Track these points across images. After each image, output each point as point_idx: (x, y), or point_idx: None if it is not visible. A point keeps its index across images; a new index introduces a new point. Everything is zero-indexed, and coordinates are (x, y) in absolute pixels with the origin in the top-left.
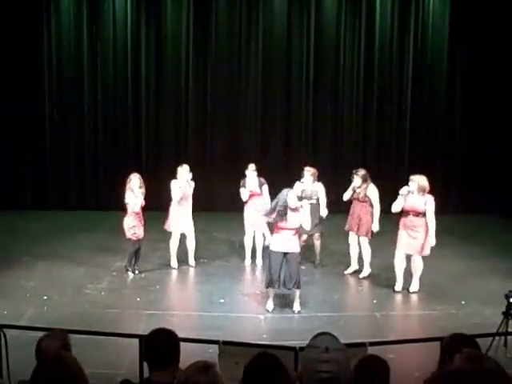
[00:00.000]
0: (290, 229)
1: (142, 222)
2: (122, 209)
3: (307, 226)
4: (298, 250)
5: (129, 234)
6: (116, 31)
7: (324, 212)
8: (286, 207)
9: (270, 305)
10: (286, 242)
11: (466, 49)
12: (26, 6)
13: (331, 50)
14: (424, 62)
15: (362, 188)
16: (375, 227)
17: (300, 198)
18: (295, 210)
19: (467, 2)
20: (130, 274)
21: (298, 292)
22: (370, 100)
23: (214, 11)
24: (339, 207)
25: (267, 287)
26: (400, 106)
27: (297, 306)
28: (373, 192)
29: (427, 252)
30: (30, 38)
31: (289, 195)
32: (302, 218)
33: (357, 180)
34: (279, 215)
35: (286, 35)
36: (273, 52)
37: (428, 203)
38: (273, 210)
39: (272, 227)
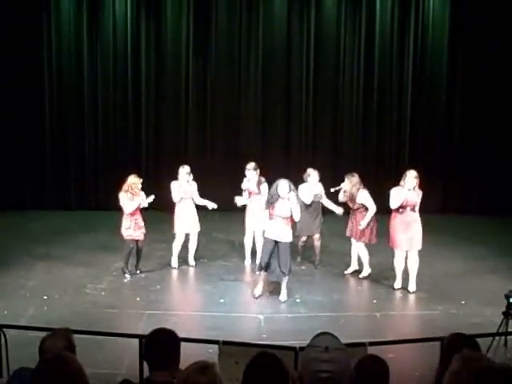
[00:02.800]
0: (281, 217)
1: (141, 225)
2: (121, 209)
3: (297, 217)
4: (289, 239)
5: (124, 234)
6: (116, 31)
7: (340, 210)
8: (276, 196)
9: (258, 290)
10: (278, 231)
11: (465, 49)
12: (25, 5)
13: (331, 50)
14: (424, 62)
15: (350, 193)
16: (363, 224)
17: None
18: (286, 199)
19: (467, 2)
20: (127, 276)
21: (285, 280)
22: (369, 100)
23: (214, 11)
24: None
25: (257, 270)
26: (400, 106)
27: (283, 296)
28: (364, 197)
29: (420, 246)
30: (30, 38)
31: (279, 184)
32: (292, 208)
33: (346, 184)
34: (268, 202)
35: (286, 35)
36: (273, 52)
37: (420, 196)
38: (267, 200)
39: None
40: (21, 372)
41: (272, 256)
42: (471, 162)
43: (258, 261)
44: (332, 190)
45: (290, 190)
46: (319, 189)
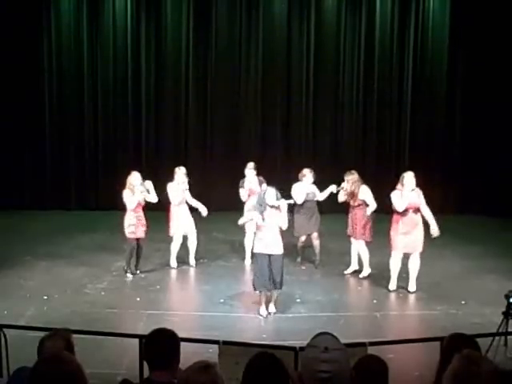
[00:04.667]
0: (270, 227)
1: (143, 222)
2: (123, 208)
3: (284, 226)
4: (281, 251)
5: (127, 232)
6: (116, 31)
7: (333, 187)
8: (264, 204)
9: (264, 311)
10: (269, 243)
11: (466, 49)
12: (26, 6)
13: (331, 50)
14: (424, 62)
15: (350, 192)
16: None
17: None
18: (274, 207)
19: (467, 2)
20: (129, 276)
21: (276, 293)
22: (369, 100)
23: (214, 11)
24: (338, 207)
25: (256, 290)
26: (400, 106)
27: (272, 308)
28: (365, 194)
29: (421, 248)
30: (30, 37)
31: (266, 193)
32: (280, 216)
33: (345, 183)
34: (258, 213)
35: (286, 35)
36: (273, 52)
37: (420, 196)
38: (254, 208)
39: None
40: (21, 372)
41: (269, 270)
42: (471, 162)
43: (253, 280)
44: (334, 191)
45: (277, 198)
46: (312, 189)
